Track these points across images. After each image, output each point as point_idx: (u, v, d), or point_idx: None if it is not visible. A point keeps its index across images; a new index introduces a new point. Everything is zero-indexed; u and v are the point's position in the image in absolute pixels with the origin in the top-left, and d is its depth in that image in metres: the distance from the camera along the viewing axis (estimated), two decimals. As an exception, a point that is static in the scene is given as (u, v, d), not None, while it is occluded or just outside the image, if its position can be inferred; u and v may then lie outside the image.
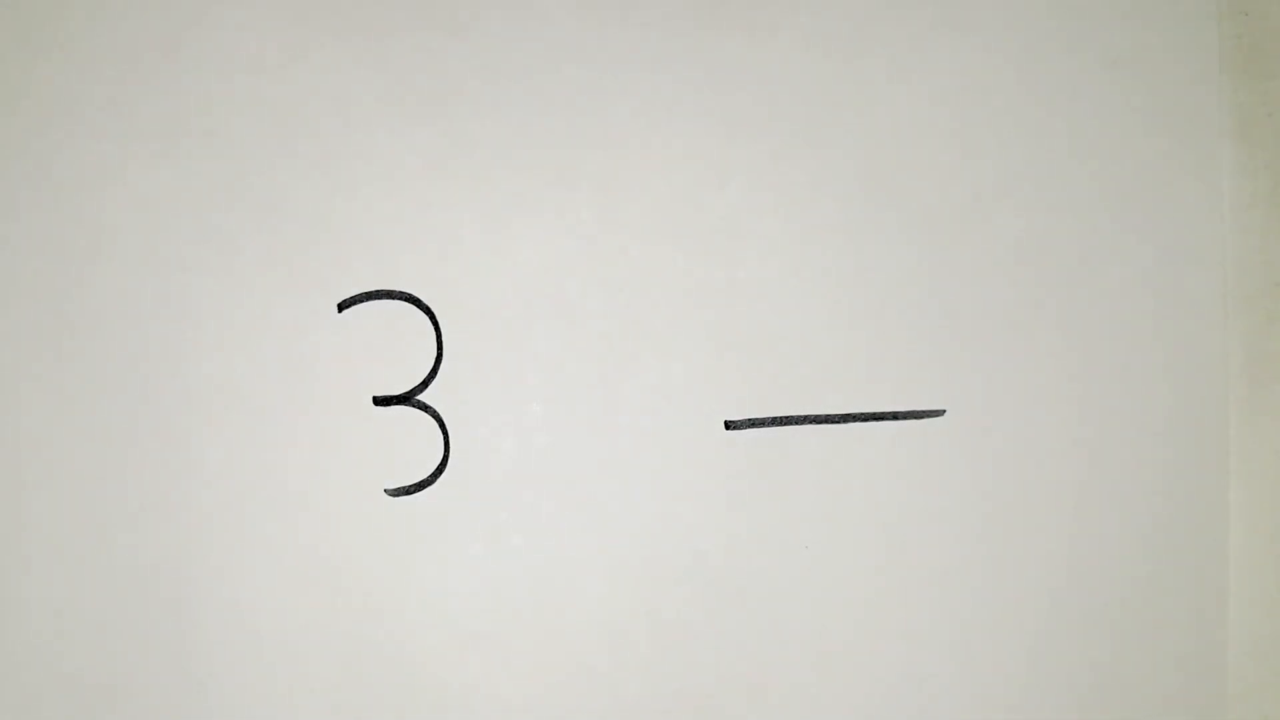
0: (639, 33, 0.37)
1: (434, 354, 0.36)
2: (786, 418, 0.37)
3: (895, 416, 0.37)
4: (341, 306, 0.36)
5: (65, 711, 0.36)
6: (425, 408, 0.36)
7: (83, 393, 0.36)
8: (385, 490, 0.36)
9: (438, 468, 0.36)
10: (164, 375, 0.36)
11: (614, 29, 0.37)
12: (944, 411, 0.37)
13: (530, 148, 0.36)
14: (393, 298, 0.36)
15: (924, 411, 0.37)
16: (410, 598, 0.36)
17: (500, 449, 0.37)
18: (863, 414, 0.37)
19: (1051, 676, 0.37)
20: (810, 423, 0.37)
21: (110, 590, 0.36)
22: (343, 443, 0.36)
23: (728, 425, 0.37)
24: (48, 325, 0.36)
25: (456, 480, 0.37)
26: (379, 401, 0.36)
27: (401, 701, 0.36)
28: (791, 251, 0.37)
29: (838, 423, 0.37)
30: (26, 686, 0.36)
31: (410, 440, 0.36)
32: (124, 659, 0.36)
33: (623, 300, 0.37)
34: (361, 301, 0.36)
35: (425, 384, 0.36)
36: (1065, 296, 0.37)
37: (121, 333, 0.36)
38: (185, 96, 0.36)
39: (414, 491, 0.36)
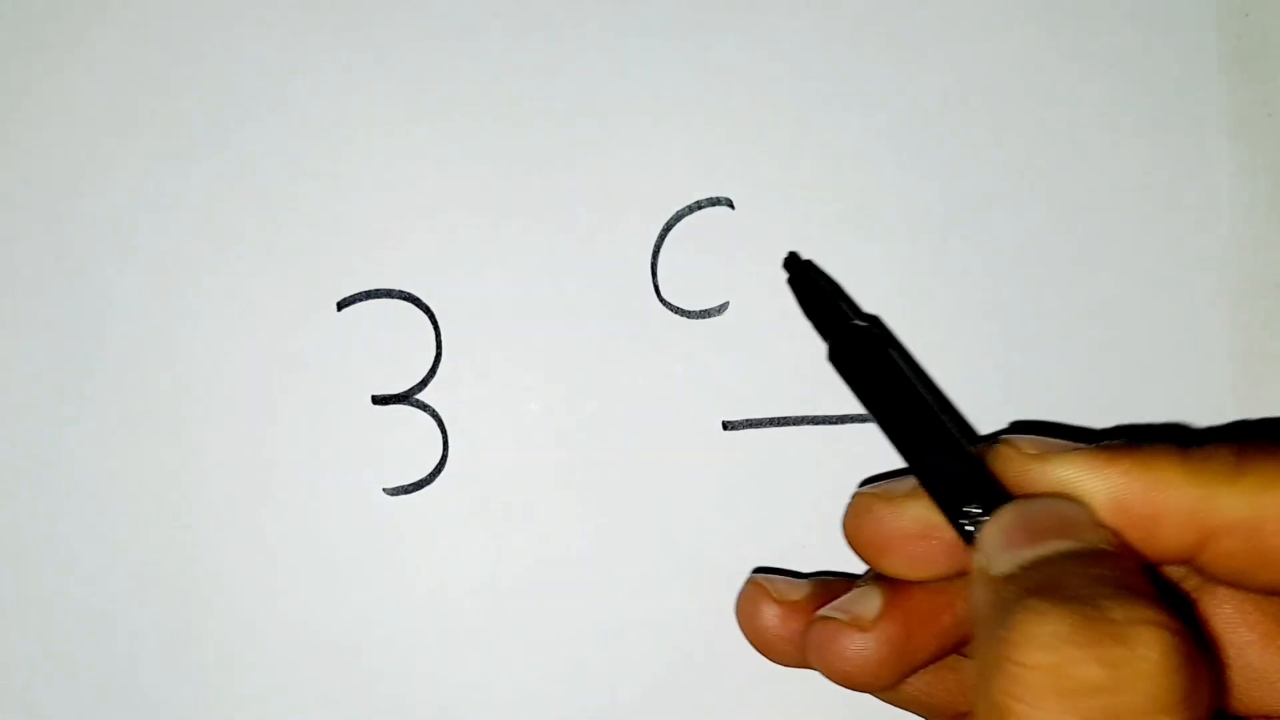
0: (640, 32, 0.37)
1: (433, 353, 0.36)
2: (785, 418, 0.37)
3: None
4: (341, 305, 0.36)
5: (64, 711, 0.36)
6: (424, 407, 0.36)
7: (79, 390, 0.36)
8: (384, 489, 0.36)
9: (436, 467, 0.37)
10: (161, 373, 0.36)
11: (615, 29, 0.37)
12: (943, 412, 0.37)
13: (531, 147, 0.37)
14: (392, 296, 0.36)
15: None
16: (408, 597, 0.37)
17: (499, 448, 0.37)
18: (862, 414, 0.37)
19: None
20: (809, 423, 0.37)
21: (106, 589, 0.36)
22: (341, 442, 0.36)
23: (725, 425, 0.37)
24: (44, 323, 0.36)
25: (455, 480, 0.37)
26: (378, 400, 0.36)
27: (396, 701, 0.36)
28: (790, 251, 0.37)
29: (837, 423, 0.37)
30: (25, 686, 0.36)
31: (409, 439, 0.37)
32: (120, 657, 0.36)
33: (622, 300, 0.37)
34: (361, 300, 0.36)
35: (424, 383, 0.36)
36: (1064, 297, 0.37)
37: (118, 330, 0.36)
38: (185, 95, 0.36)
39: (412, 491, 0.37)
